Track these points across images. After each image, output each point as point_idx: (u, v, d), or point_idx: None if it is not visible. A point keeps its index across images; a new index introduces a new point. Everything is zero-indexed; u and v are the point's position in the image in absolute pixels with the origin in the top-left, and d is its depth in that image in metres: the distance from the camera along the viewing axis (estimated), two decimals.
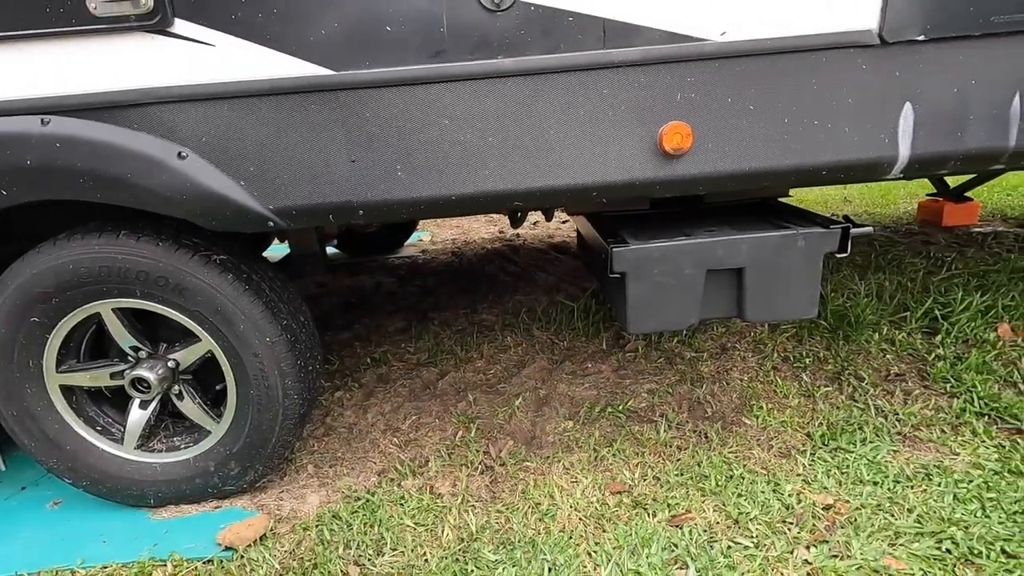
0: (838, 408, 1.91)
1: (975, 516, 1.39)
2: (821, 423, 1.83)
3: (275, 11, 1.18)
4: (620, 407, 1.98)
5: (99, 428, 1.60)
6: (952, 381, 1.98)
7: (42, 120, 1.22)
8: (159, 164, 1.24)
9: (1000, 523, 1.36)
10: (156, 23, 1.17)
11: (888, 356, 2.19)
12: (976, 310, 2.34)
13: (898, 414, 1.84)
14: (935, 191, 3.83)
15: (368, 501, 1.61)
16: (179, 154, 1.24)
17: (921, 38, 1.23)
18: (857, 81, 1.26)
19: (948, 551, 1.30)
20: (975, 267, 2.90)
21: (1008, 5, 1.20)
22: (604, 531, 1.44)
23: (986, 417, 1.80)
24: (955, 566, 1.26)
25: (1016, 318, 2.33)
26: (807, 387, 2.04)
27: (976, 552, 1.28)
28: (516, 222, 2.53)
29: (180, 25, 1.18)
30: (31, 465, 1.86)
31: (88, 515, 1.65)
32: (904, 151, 1.31)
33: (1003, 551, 1.28)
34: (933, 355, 2.14)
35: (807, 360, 2.20)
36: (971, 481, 1.51)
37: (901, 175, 1.34)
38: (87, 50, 1.19)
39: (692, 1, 1.21)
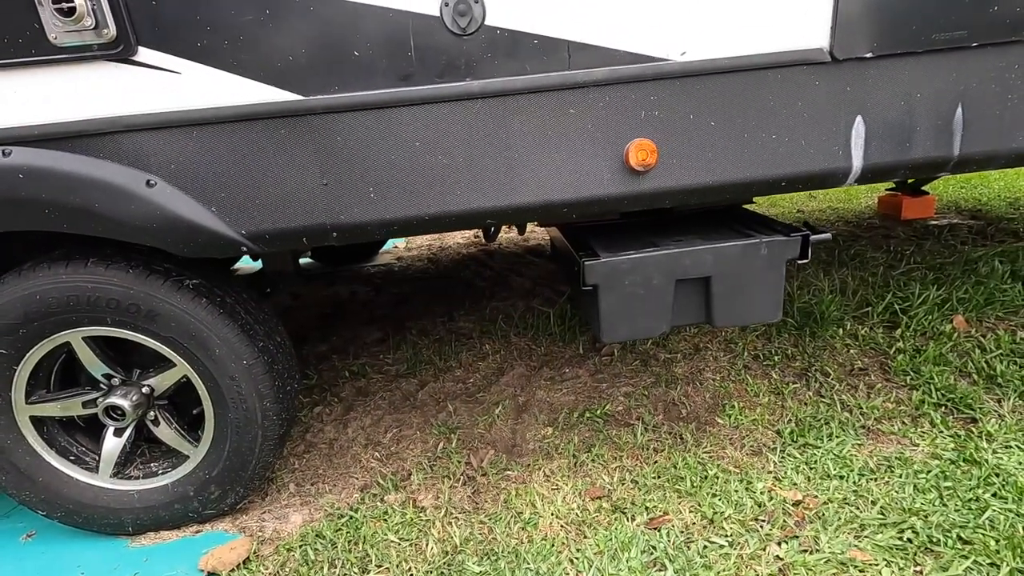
0: (806, 404, 1.98)
1: (933, 505, 1.47)
2: (790, 420, 1.89)
3: (241, 38, 1.18)
4: (598, 411, 2.02)
5: (72, 458, 1.58)
6: (912, 374, 2.07)
7: (3, 151, 1.20)
8: (127, 193, 1.23)
9: (956, 511, 1.44)
10: (119, 52, 1.16)
11: (852, 351, 2.28)
12: (933, 303, 2.45)
13: (862, 408, 1.92)
14: (894, 186, 3.98)
15: (351, 518, 1.62)
16: (148, 182, 1.24)
17: (869, 55, 1.29)
18: (811, 96, 1.32)
19: (909, 540, 1.37)
20: (932, 260, 3.02)
21: (947, 24, 1.27)
22: (585, 537, 1.48)
23: (943, 408, 1.89)
24: (916, 555, 1.33)
25: (969, 310, 2.44)
26: (776, 384, 2.11)
27: (935, 540, 1.36)
28: (490, 236, 2.56)
29: (144, 53, 1.17)
30: (1, 497, 1.82)
31: (64, 546, 1.62)
32: (857, 161, 1.37)
33: (959, 538, 1.36)
34: (894, 348, 2.24)
35: (776, 358, 2.27)
36: (930, 471, 1.59)
37: (855, 183, 1.40)
38: (49, 80, 1.17)
39: (652, 23, 1.25)
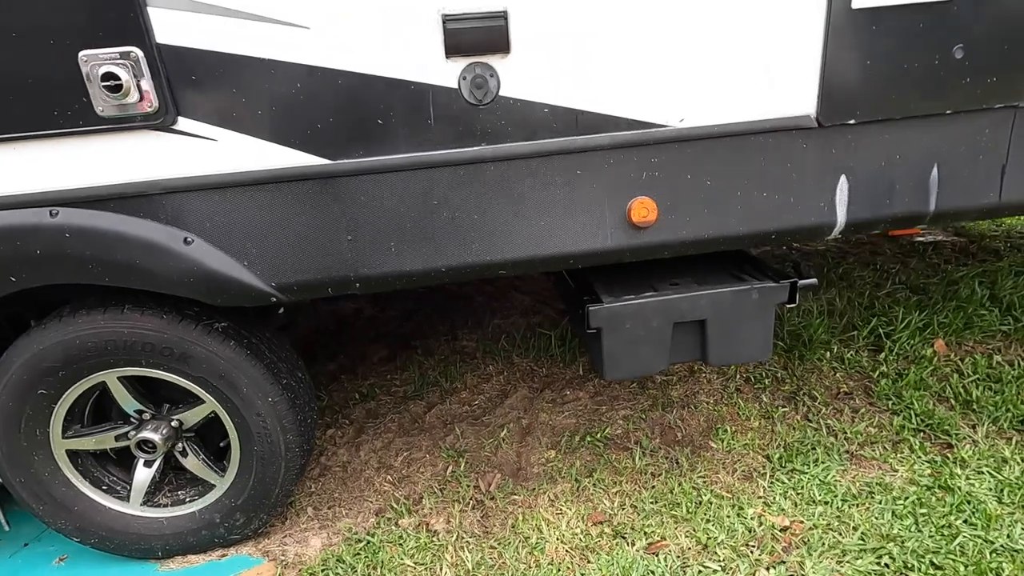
0: (794, 429, 2.10)
1: (909, 531, 1.59)
2: (779, 445, 2.01)
3: (273, 108, 1.28)
4: (598, 435, 2.13)
5: (105, 487, 1.67)
6: (894, 398, 2.20)
7: (51, 212, 1.29)
8: (166, 250, 1.32)
9: (930, 537, 1.56)
10: (161, 121, 1.25)
11: (838, 374, 2.40)
12: (915, 327, 2.58)
13: (846, 433, 2.04)
14: None
15: (368, 542, 1.73)
16: (185, 239, 1.33)
17: (852, 121, 1.40)
18: (799, 158, 1.43)
19: (886, 566, 1.49)
20: (916, 280, 3.15)
21: (924, 95, 1.38)
22: (589, 562, 1.59)
23: (922, 433, 2.01)
24: None
25: (949, 334, 2.57)
26: (766, 408, 2.22)
27: (909, 566, 1.48)
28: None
29: (183, 123, 1.26)
30: (32, 520, 1.91)
31: (95, 570, 1.72)
32: (841, 217, 1.48)
33: (932, 563, 1.48)
34: (877, 372, 2.36)
35: (766, 381, 2.39)
36: (907, 497, 1.71)
37: (839, 236, 1.52)
38: (94, 147, 1.26)
39: (654, 92, 1.35)
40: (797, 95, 1.38)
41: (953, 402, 2.15)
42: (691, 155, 1.40)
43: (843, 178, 1.45)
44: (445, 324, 3.14)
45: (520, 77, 1.30)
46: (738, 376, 2.43)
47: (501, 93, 1.30)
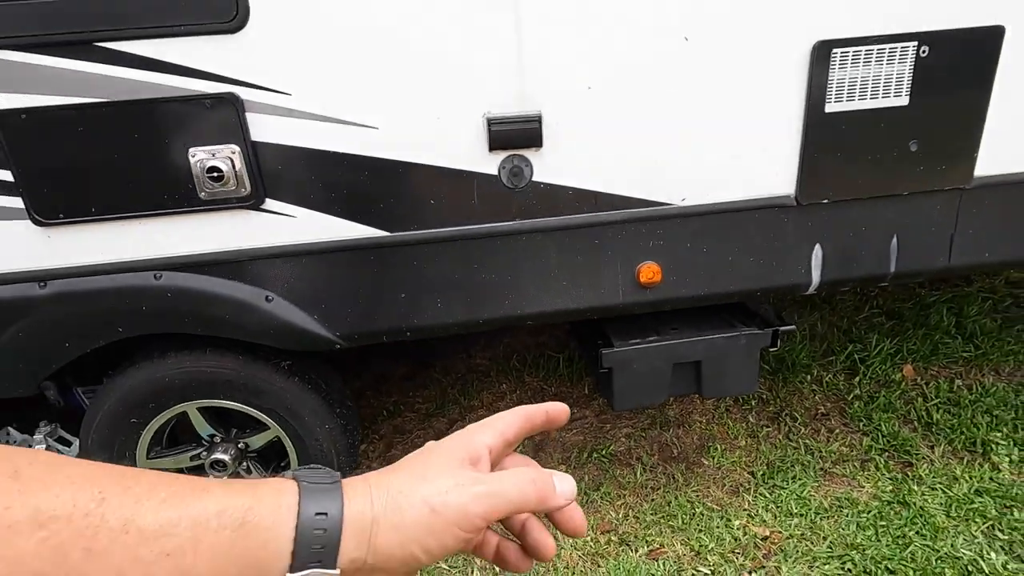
0: (776, 447, 2.38)
1: (870, 540, 1.87)
2: (763, 462, 2.29)
3: (344, 190, 1.53)
4: (603, 451, 2.40)
5: None
6: (864, 420, 2.48)
7: (155, 275, 1.53)
8: (251, 306, 1.57)
9: (887, 546, 1.85)
10: (252, 203, 1.49)
11: (817, 396, 2.69)
12: (887, 353, 2.87)
13: (821, 451, 2.33)
14: None
15: None
16: (266, 297, 1.58)
17: (825, 201, 1.67)
18: (781, 230, 1.69)
19: (849, 570, 1.78)
20: (892, 304, 3.44)
21: (884, 180, 1.65)
22: (599, 566, 1.86)
23: (887, 452, 2.30)
24: None
25: (917, 359, 2.86)
26: (752, 427, 2.50)
27: (868, 570, 1.76)
28: None
29: (270, 203, 1.51)
30: None
31: None
32: (816, 278, 1.75)
33: (887, 568, 1.77)
34: (852, 395, 2.65)
35: (753, 402, 2.67)
36: (870, 511, 1.99)
37: (814, 293, 1.79)
38: (194, 223, 1.51)
39: (659, 176, 1.61)
40: (780, 179, 1.64)
41: (916, 424, 2.44)
42: (691, 228, 1.66)
43: (818, 246, 1.72)
44: (460, 343, 3.39)
45: (550, 166, 1.55)
46: (728, 397, 2.70)
47: (534, 179, 1.56)
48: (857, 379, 2.74)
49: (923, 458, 2.24)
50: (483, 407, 2.77)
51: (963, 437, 2.32)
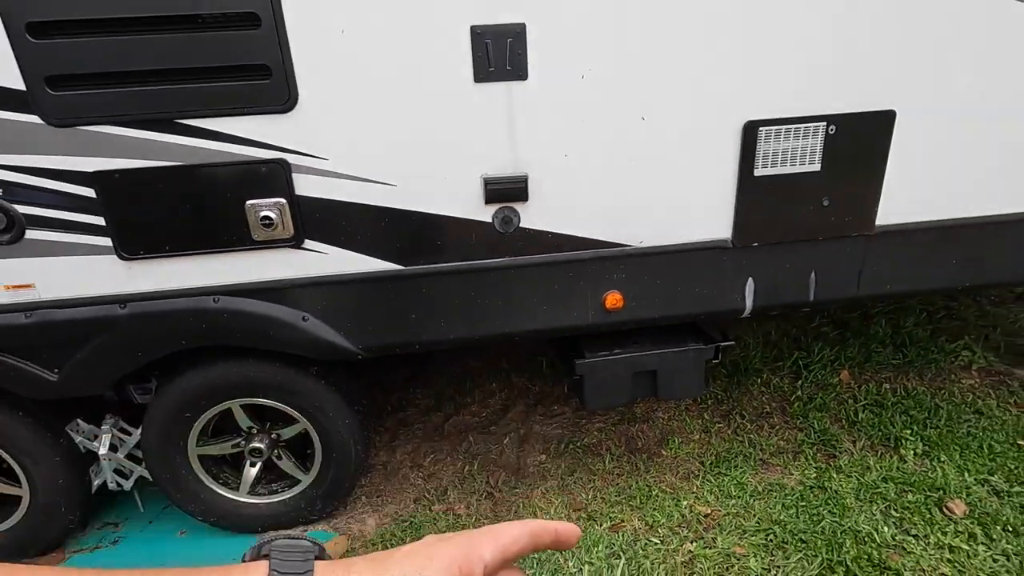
0: (724, 440, 2.80)
1: (791, 517, 2.29)
2: (712, 453, 2.71)
3: (367, 232, 1.89)
4: (578, 443, 2.81)
5: (222, 481, 2.30)
6: (801, 418, 2.91)
7: (214, 299, 1.90)
8: (290, 324, 1.94)
9: (803, 522, 2.27)
10: (294, 243, 1.86)
11: (764, 397, 3.11)
12: (827, 360, 3.30)
13: (762, 445, 2.75)
14: None
15: (412, 522, 2.38)
16: (303, 318, 1.95)
17: (756, 244, 2.07)
18: (720, 266, 2.09)
19: (771, 540, 2.20)
20: (841, 314, 3.87)
21: (804, 227, 2.05)
22: None
23: (816, 446, 2.72)
24: (772, 550, 2.16)
25: (854, 366, 3.30)
26: (706, 423, 2.92)
27: (785, 541, 2.18)
28: None
29: (308, 243, 1.88)
30: (155, 503, 2.52)
31: (211, 540, 2.35)
32: (748, 304, 2.15)
33: (800, 539, 2.19)
34: (794, 396, 3.07)
35: (709, 401, 3.08)
36: (795, 494, 2.42)
37: (748, 316, 2.19)
38: (247, 258, 1.87)
39: (622, 224, 1.99)
40: (719, 226, 2.04)
41: (844, 422, 2.87)
42: (648, 264, 2.05)
43: (750, 279, 2.13)
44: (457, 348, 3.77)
45: (534, 215, 1.93)
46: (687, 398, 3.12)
47: (521, 225, 1.94)
48: (800, 382, 3.17)
49: (845, 451, 2.67)
50: (476, 403, 3.16)
51: (880, 433, 2.75)
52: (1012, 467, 2.48)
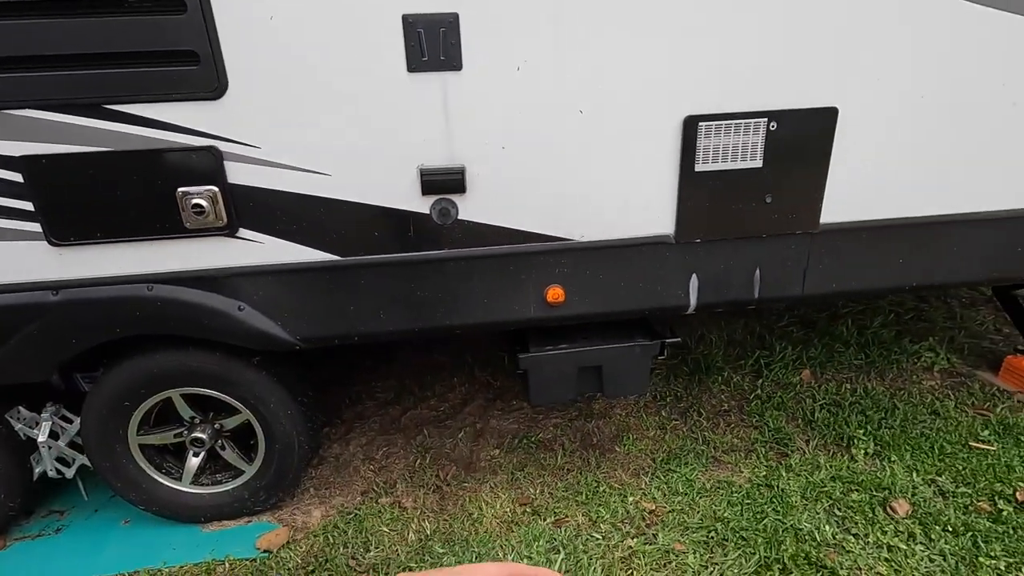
0: (679, 438, 2.79)
1: (735, 514, 2.29)
2: (665, 451, 2.70)
3: (303, 222, 1.88)
4: (532, 439, 2.80)
5: (164, 471, 2.29)
6: (757, 416, 2.90)
7: (147, 287, 1.88)
8: (225, 314, 1.93)
9: (746, 519, 2.26)
10: (228, 231, 1.85)
11: (723, 395, 3.10)
12: (788, 359, 3.29)
13: (716, 442, 2.74)
14: None
15: (356, 515, 2.38)
16: (239, 307, 1.94)
17: (698, 240, 2.06)
18: (664, 262, 2.08)
19: (712, 537, 2.19)
20: (809, 314, 3.87)
21: (746, 225, 2.04)
22: (512, 531, 2.26)
23: (769, 444, 2.72)
24: (712, 547, 2.16)
25: (816, 365, 3.29)
26: (663, 420, 2.92)
27: (726, 538, 2.18)
28: None
29: (242, 231, 1.86)
30: (99, 492, 2.51)
31: (154, 530, 2.34)
32: (693, 301, 2.15)
33: (741, 537, 2.18)
34: (753, 395, 3.07)
35: (668, 398, 3.08)
36: (742, 492, 2.41)
37: (693, 313, 2.18)
38: (180, 246, 1.85)
39: (562, 217, 1.98)
40: (661, 222, 2.03)
41: (800, 421, 2.87)
42: (589, 259, 2.05)
43: (694, 275, 2.12)
44: (420, 342, 3.76)
45: (472, 207, 1.92)
46: (648, 394, 3.12)
47: (459, 217, 1.93)
48: (760, 381, 3.17)
49: (797, 449, 2.67)
50: (435, 397, 3.16)
51: (834, 433, 2.75)
52: (960, 468, 2.48)
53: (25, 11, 1.56)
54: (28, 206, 1.75)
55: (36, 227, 1.77)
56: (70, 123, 1.67)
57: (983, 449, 2.60)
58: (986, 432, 2.71)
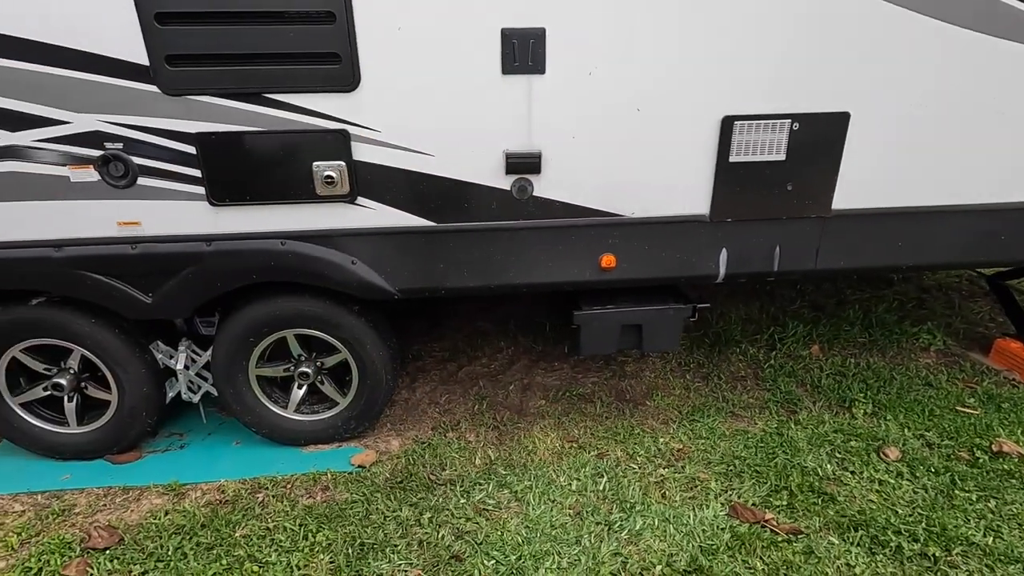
0: (702, 396, 3.21)
1: (750, 454, 2.71)
2: (689, 406, 3.12)
3: (409, 193, 2.32)
4: (574, 392, 3.23)
5: (273, 399, 2.75)
6: (771, 382, 3.32)
7: (281, 242, 2.33)
8: (342, 267, 2.37)
9: (759, 458, 2.68)
10: (349, 199, 2.29)
11: (740, 363, 3.52)
12: (800, 336, 3.70)
13: (734, 401, 3.16)
14: None
15: (429, 444, 2.82)
16: (352, 261, 2.38)
17: (730, 220, 2.48)
18: (699, 238, 2.50)
19: (731, 469, 2.62)
20: (821, 299, 4.27)
21: (769, 208, 2.45)
22: (562, 460, 2.70)
23: (779, 403, 3.13)
24: (732, 478, 2.58)
25: (824, 342, 3.69)
26: (688, 382, 3.34)
27: (742, 470, 2.60)
28: None
29: (360, 200, 2.31)
30: (212, 419, 2.98)
31: (262, 450, 2.80)
32: (722, 271, 2.56)
33: (755, 470, 2.60)
34: (767, 364, 3.48)
35: (692, 365, 3.50)
36: (756, 437, 2.83)
37: (722, 282, 2.60)
38: (311, 209, 2.30)
39: (618, 197, 2.40)
40: (698, 204, 2.45)
41: (808, 386, 3.28)
42: (638, 232, 2.47)
43: (724, 249, 2.53)
44: (468, 306, 4.21)
45: (545, 186, 2.35)
46: (673, 360, 3.54)
47: (534, 194, 2.36)
48: (774, 353, 3.58)
49: (805, 408, 3.08)
50: (485, 357, 3.60)
51: (838, 396, 3.16)
52: (946, 426, 2.88)
53: (211, 18, 2.01)
54: (197, 172, 2.20)
55: (201, 190, 2.22)
56: (237, 108, 2.12)
57: (968, 412, 2.99)
58: (972, 400, 3.11)
